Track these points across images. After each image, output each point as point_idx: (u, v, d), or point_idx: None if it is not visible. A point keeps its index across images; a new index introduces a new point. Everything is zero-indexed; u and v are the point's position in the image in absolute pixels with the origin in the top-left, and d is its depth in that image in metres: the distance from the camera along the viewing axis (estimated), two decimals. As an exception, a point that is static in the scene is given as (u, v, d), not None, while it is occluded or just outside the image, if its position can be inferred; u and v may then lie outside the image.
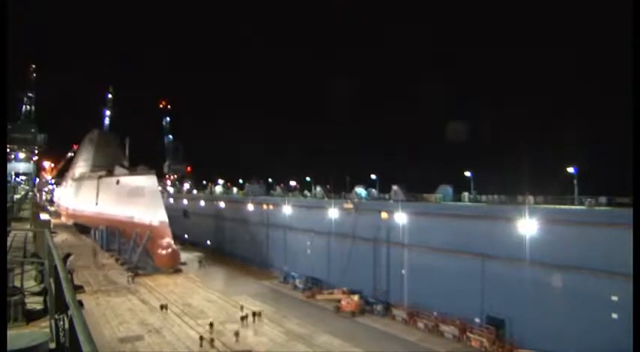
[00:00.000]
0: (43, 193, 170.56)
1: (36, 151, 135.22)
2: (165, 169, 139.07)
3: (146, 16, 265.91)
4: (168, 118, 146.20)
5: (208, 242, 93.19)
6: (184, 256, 76.29)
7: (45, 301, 9.68)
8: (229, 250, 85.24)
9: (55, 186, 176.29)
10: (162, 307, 47.97)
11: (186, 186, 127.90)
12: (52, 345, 6.43)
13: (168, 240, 69.94)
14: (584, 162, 41.32)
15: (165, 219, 71.38)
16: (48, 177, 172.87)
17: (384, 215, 51.35)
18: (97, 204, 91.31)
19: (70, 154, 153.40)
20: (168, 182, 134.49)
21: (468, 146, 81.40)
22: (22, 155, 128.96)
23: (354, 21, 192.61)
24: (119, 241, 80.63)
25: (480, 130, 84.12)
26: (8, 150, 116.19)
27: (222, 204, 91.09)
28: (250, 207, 78.37)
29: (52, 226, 50.66)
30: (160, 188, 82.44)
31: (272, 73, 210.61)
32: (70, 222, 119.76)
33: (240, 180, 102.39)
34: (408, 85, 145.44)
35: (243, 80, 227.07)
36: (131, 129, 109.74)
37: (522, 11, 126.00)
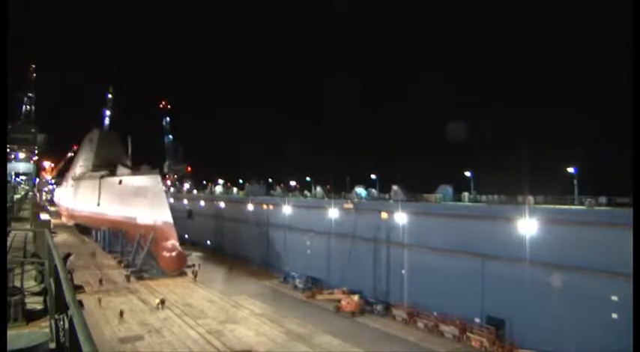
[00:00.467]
0: (43, 193, 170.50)
1: (36, 151, 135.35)
2: (165, 169, 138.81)
3: (146, 16, 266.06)
4: (168, 118, 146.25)
5: (208, 242, 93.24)
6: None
7: (45, 301, 9.68)
8: (229, 250, 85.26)
9: (55, 186, 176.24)
10: (161, 302, 49.02)
11: (186, 186, 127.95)
12: (52, 345, 6.43)
13: (173, 241, 67.75)
14: (584, 162, 41.36)
15: (170, 220, 69.33)
16: (48, 177, 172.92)
17: (384, 215, 51.36)
18: (98, 204, 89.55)
19: (70, 154, 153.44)
20: (169, 182, 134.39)
21: (467, 146, 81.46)
22: (22, 155, 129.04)
23: (354, 21, 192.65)
24: (122, 243, 78.98)
25: (480, 130, 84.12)
26: (8, 150, 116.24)
27: (222, 204, 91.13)
28: (250, 207, 78.38)
29: (52, 226, 50.64)
30: (164, 188, 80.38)
31: (272, 73, 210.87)
32: (71, 222, 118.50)
33: (240, 180, 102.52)
34: (408, 84, 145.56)
35: (243, 80, 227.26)
36: (131, 130, 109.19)
37: (522, 11, 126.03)
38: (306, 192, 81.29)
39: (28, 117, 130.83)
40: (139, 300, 52.27)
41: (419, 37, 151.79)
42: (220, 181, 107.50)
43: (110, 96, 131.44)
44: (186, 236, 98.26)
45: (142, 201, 72.83)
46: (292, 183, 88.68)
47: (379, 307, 47.98)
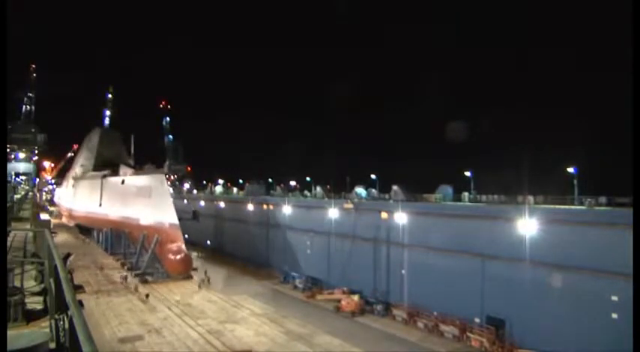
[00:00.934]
0: (43, 193, 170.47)
1: (36, 151, 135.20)
2: (165, 169, 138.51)
3: (146, 16, 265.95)
4: (168, 118, 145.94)
5: (208, 242, 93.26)
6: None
7: (45, 301, 9.68)
8: (229, 250, 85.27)
9: (55, 186, 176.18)
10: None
11: (187, 186, 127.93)
12: (52, 345, 6.43)
13: (179, 244, 64.71)
14: (584, 162, 41.39)
15: (176, 221, 66.31)
16: (48, 177, 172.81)
17: (384, 215, 51.38)
18: (100, 204, 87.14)
19: (70, 154, 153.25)
20: (169, 182, 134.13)
21: (467, 146, 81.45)
22: (22, 155, 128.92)
23: (354, 21, 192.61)
24: (124, 244, 76.59)
25: (480, 130, 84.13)
26: (8, 150, 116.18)
27: (222, 204, 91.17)
28: (250, 207, 78.40)
29: (52, 226, 50.63)
30: (169, 188, 77.21)
31: (272, 73, 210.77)
32: (72, 223, 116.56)
33: (240, 180, 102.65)
34: (408, 84, 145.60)
35: (244, 80, 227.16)
36: (131, 130, 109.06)
37: (522, 11, 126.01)
38: (306, 192, 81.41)
39: (28, 117, 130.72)
40: (139, 300, 52.26)
41: (419, 37, 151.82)
42: (220, 181, 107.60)
43: (110, 96, 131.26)
44: (186, 236, 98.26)
45: (145, 201, 70.53)
46: (292, 183, 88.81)
47: (379, 307, 47.99)
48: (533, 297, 36.23)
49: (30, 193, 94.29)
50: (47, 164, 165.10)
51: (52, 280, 7.96)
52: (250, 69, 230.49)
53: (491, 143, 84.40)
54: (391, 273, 50.14)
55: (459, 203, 49.37)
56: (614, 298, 30.98)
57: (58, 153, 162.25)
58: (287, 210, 67.09)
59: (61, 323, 5.77)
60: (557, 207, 39.24)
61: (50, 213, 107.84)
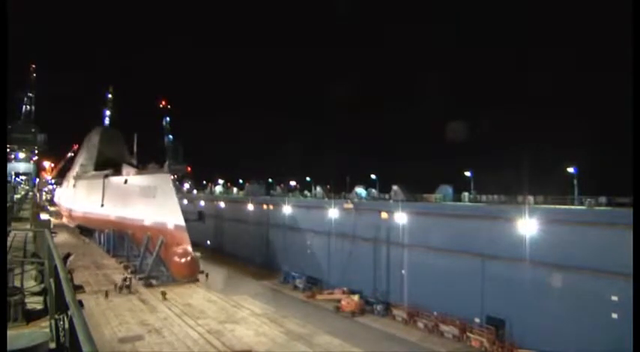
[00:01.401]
0: (43, 193, 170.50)
1: (36, 151, 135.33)
2: (165, 169, 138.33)
3: (146, 16, 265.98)
4: (168, 118, 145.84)
5: (208, 242, 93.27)
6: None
7: (45, 301, 9.68)
8: (229, 250, 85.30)
9: (55, 186, 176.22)
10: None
11: (186, 186, 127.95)
12: (52, 345, 6.43)
13: (185, 246, 61.87)
14: (584, 162, 41.39)
15: (182, 223, 63.34)
16: (48, 177, 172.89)
17: (384, 215, 51.39)
18: (102, 205, 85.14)
19: (70, 154, 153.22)
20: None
21: (467, 146, 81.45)
22: (22, 155, 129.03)
23: (354, 21, 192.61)
24: (128, 246, 74.40)
25: (480, 130, 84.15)
26: (8, 150, 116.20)
27: (222, 204, 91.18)
28: (250, 207, 78.41)
29: (52, 226, 50.63)
30: (174, 188, 73.70)
31: (272, 73, 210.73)
32: (72, 224, 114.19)
33: (240, 180, 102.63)
34: (408, 84, 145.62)
35: (244, 80, 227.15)
36: (131, 129, 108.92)
37: (522, 11, 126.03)
38: (306, 192, 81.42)
39: (28, 117, 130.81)
40: (139, 300, 52.27)
41: (419, 37, 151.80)
42: (220, 181, 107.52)
43: (110, 96, 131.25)
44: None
45: (150, 201, 68.42)
46: (292, 183, 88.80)
47: (379, 307, 47.99)
48: (533, 297, 36.24)
49: (30, 193, 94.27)
50: (47, 164, 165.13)
51: (52, 280, 7.96)
52: (250, 69, 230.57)
53: (491, 143, 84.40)
54: (391, 273, 50.16)
55: (458, 203, 49.36)
56: (614, 298, 30.99)
57: (58, 153, 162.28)
58: (287, 210, 67.09)
59: (61, 323, 5.78)
60: (557, 207, 39.24)
61: (50, 213, 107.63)
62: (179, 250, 61.47)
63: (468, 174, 51.03)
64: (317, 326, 43.52)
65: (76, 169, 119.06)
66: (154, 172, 72.51)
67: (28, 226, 27.75)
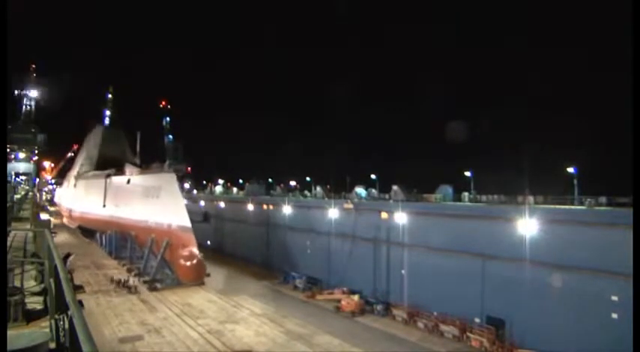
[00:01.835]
0: (44, 193, 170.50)
1: (36, 151, 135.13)
2: (169, 169, 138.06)
3: (146, 16, 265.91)
4: (168, 118, 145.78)
5: (208, 242, 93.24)
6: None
7: (45, 301, 9.68)
8: (229, 250, 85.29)
9: (55, 186, 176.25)
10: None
11: (186, 186, 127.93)
12: (52, 345, 6.43)
13: (191, 248, 59.77)
14: (584, 162, 41.40)
15: (188, 224, 61.16)
16: (48, 177, 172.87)
17: (384, 215, 51.40)
18: (104, 205, 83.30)
19: (70, 154, 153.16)
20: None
21: (467, 146, 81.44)
22: (22, 155, 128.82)
23: (354, 21, 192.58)
24: (131, 248, 72.02)
25: (480, 130, 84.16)
26: (8, 150, 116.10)
27: (222, 204, 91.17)
28: (250, 207, 78.41)
29: (52, 226, 50.61)
30: (180, 189, 71.25)
31: (272, 73, 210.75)
32: (73, 224, 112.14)
33: (240, 180, 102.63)
34: (408, 84, 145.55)
35: (244, 80, 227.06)
36: (131, 129, 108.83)
37: (522, 11, 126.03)
38: (306, 192, 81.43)
39: (28, 117, 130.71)
40: (139, 300, 52.25)
41: (419, 37, 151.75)
42: (220, 181, 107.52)
43: (110, 96, 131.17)
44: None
45: (154, 202, 66.55)
46: (292, 183, 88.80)
47: (379, 307, 47.98)
48: (534, 297, 36.23)
49: (30, 193, 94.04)
50: (47, 164, 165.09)
51: (52, 280, 7.97)
52: (250, 69, 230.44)
53: (491, 143, 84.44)
54: (391, 273, 50.16)
55: (458, 203, 49.39)
56: (614, 298, 30.99)
57: (58, 153, 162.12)
58: (287, 210, 67.09)
59: (61, 323, 5.78)
60: (557, 207, 39.26)
61: (50, 213, 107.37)
62: (185, 252, 59.44)
63: (467, 174, 51.07)
64: (317, 326, 43.51)
65: (76, 169, 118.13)
66: (157, 172, 70.64)
67: (28, 226, 27.75)
